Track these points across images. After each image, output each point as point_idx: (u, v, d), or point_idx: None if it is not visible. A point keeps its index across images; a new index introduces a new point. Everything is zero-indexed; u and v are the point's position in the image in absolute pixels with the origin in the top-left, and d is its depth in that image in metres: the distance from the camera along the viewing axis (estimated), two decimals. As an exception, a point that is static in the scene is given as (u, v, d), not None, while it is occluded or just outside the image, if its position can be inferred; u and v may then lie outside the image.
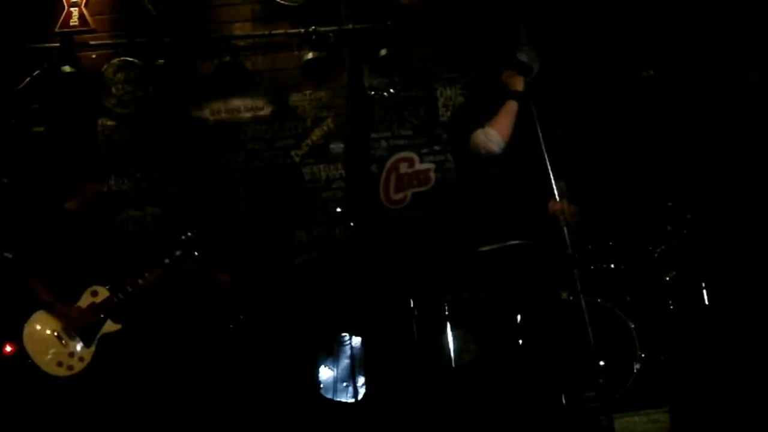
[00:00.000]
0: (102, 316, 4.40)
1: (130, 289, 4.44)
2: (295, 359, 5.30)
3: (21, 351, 4.25)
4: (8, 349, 4.33)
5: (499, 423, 4.72)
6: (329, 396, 5.43)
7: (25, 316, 4.32)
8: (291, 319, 5.34)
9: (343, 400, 5.39)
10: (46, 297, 4.33)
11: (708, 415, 4.23)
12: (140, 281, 4.46)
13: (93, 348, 4.35)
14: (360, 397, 5.34)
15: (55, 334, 4.30)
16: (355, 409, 5.26)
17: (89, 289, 4.42)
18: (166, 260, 4.53)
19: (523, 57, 6.10)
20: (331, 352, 5.52)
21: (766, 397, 4.11)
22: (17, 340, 4.27)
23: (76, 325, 4.33)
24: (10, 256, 4.40)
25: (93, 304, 4.40)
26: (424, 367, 5.45)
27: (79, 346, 4.32)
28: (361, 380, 5.41)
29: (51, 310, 4.32)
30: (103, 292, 4.43)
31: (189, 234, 4.65)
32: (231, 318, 5.21)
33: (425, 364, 5.47)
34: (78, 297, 4.40)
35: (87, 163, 4.89)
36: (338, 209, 6.06)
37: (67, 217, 4.54)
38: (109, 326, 4.41)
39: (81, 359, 4.31)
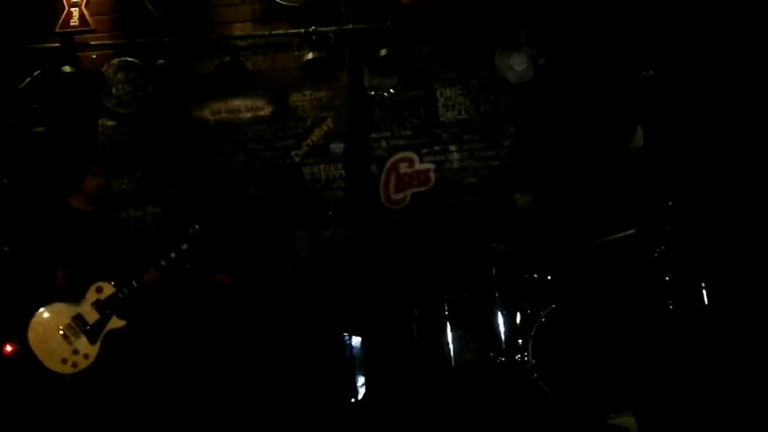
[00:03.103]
0: (107, 312, 4.40)
1: (135, 285, 4.43)
2: (296, 359, 5.30)
3: (25, 348, 4.26)
4: (8, 348, 4.33)
5: (499, 423, 4.73)
6: (329, 396, 5.42)
7: (28, 313, 4.32)
8: (291, 318, 5.34)
9: (344, 400, 5.38)
10: (63, 284, 4.34)
11: (707, 415, 4.23)
12: (145, 277, 4.45)
13: (98, 345, 4.34)
14: (360, 397, 5.34)
15: (60, 331, 4.30)
16: (355, 409, 5.26)
17: (94, 286, 4.42)
18: (172, 254, 4.51)
19: (522, 57, 6.14)
20: (331, 352, 5.52)
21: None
22: (21, 337, 4.27)
23: (80, 322, 4.33)
24: (7, 249, 4.40)
25: (98, 300, 4.40)
26: (424, 367, 5.45)
27: (83, 343, 4.32)
28: (361, 380, 5.41)
29: (54, 305, 4.33)
30: (108, 289, 4.42)
31: (196, 227, 4.62)
32: (233, 318, 5.21)
33: (425, 364, 5.47)
34: (84, 293, 4.41)
35: (86, 159, 4.87)
36: (330, 212, 6.06)
37: (73, 214, 4.54)
38: (114, 323, 4.40)
39: (86, 356, 4.30)
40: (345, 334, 5.49)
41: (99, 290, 4.42)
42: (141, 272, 4.45)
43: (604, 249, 4.88)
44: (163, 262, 4.47)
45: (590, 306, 4.95)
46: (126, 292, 4.42)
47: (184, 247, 4.51)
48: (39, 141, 6.08)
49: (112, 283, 4.43)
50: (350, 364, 5.42)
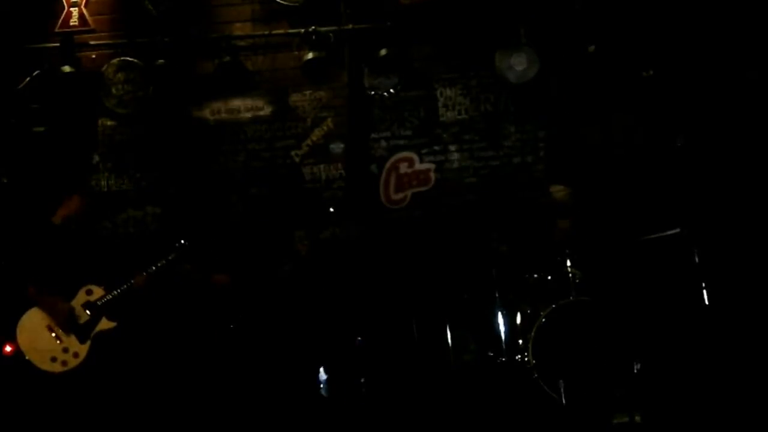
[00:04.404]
0: (97, 313, 4.42)
1: (124, 287, 4.48)
2: (296, 359, 5.30)
3: (15, 347, 4.28)
4: (8, 349, 4.34)
5: (499, 423, 4.73)
6: (329, 396, 5.42)
7: (20, 314, 4.34)
8: (291, 318, 5.34)
9: (343, 400, 5.38)
10: (38, 295, 4.35)
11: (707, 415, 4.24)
12: (132, 282, 4.51)
13: (88, 345, 4.36)
14: (360, 397, 5.34)
15: (50, 330, 4.32)
16: (356, 409, 5.27)
17: (84, 288, 4.46)
18: (160, 263, 4.58)
19: (522, 57, 6.14)
20: (331, 352, 5.52)
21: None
22: (12, 336, 4.29)
23: (70, 321, 4.35)
24: (3, 262, 4.44)
25: (88, 302, 4.43)
26: (424, 367, 5.45)
27: (73, 343, 4.34)
28: (361, 380, 5.40)
29: (44, 305, 4.35)
30: (98, 291, 4.47)
31: (183, 242, 4.71)
32: (230, 318, 5.21)
33: (425, 364, 5.47)
34: (73, 296, 4.43)
35: (73, 177, 4.96)
36: (331, 209, 6.06)
37: (53, 230, 4.59)
38: (104, 324, 4.44)
39: (75, 355, 4.33)
40: (344, 334, 5.50)
41: (89, 292, 4.47)
42: (130, 277, 4.50)
43: (641, 247, 4.94)
44: (153, 268, 4.55)
45: (611, 302, 4.95)
46: (115, 294, 4.46)
47: (171, 257, 4.61)
48: (39, 141, 6.08)
49: (102, 285, 4.47)
50: (349, 364, 5.42)
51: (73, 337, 4.35)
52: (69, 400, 4.30)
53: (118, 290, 4.49)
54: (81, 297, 4.45)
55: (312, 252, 5.82)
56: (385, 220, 6.29)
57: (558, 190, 5.56)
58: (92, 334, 4.39)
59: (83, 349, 4.35)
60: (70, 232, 4.62)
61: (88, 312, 4.42)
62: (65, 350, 4.33)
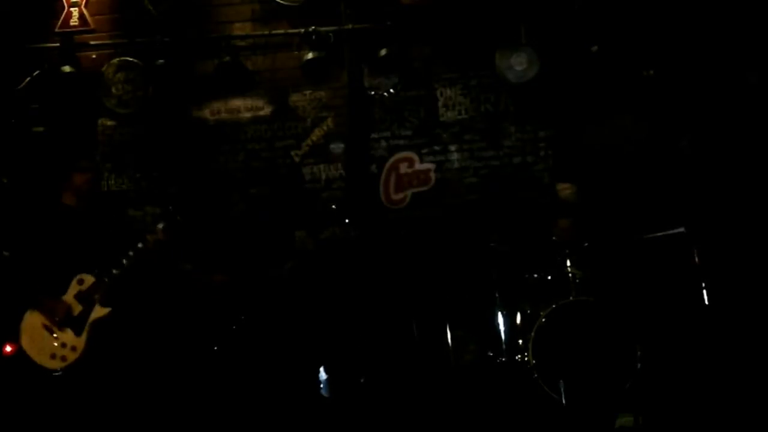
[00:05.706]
0: (89, 302, 4.40)
1: (115, 272, 4.45)
2: (295, 359, 5.30)
3: (19, 347, 4.29)
4: (8, 349, 4.35)
5: (499, 423, 4.73)
6: (329, 396, 5.42)
7: (23, 314, 4.35)
8: (291, 318, 5.34)
9: (343, 400, 5.38)
10: (35, 299, 4.35)
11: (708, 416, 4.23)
12: (124, 261, 4.47)
13: (84, 336, 4.35)
14: (360, 397, 5.34)
15: (45, 327, 4.32)
16: (356, 409, 5.27)
17: (76, 278, 4.43)
18: (149, 236, 4.56)
19: (522, 57, 6.14)
20: (331, 352, 5.52)
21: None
22: (16, 337, 4.30)
23: (62, 316, 4.34)
24: (7, 254, 4.42)
25: (80, 291, 4.41)
26: (424, 367, 5.45)
27: (69, 336, 4.33)
28: (361, 380, 5.40)
29: (40, 307, 4.35)
30: (89, 279, 4.44)
31: (170, 208, 4.70)
32: (231, 318, 5.21)
33: (425, 364, 5.47)
34: (66, 288, 4.42)
35: (72, 156, 4.91)
36: (333, 206, 6.06)
37: (63, 211, 4.55)
38: (98, 311, 4.41)
39: (74, 349, 4.32)
40: (345, 334, 5.50)
41: (80, 282, 4.44)
42: (121, 260, 4.47)
43: (642, 247, 4.94)
44: (140, 245, 4.52)
45: (611, 302, 4.94)
46: (107, 280, 4.44)
47: (160, 226, 4.58)
48: (39, 141, 6.08)
49: (93, 272, 4.45)
50: (349, 364, 5.42)
51: (68, 331, 4.34)
52: (71, 395, 4.30)
53: (110, 275, 4.45)
54: (73, 288, 4.43)
55: (312, 252, 5.82)
56: (385, 220, 6.28)
57: (564, 188, 5.54)
58: (87, 325, 4.37)
59: (80, 342, 4.34)
60: (80, 213, 4.57)
61: (80, 303, 4.40)
62: (63, 345, 4.32)
